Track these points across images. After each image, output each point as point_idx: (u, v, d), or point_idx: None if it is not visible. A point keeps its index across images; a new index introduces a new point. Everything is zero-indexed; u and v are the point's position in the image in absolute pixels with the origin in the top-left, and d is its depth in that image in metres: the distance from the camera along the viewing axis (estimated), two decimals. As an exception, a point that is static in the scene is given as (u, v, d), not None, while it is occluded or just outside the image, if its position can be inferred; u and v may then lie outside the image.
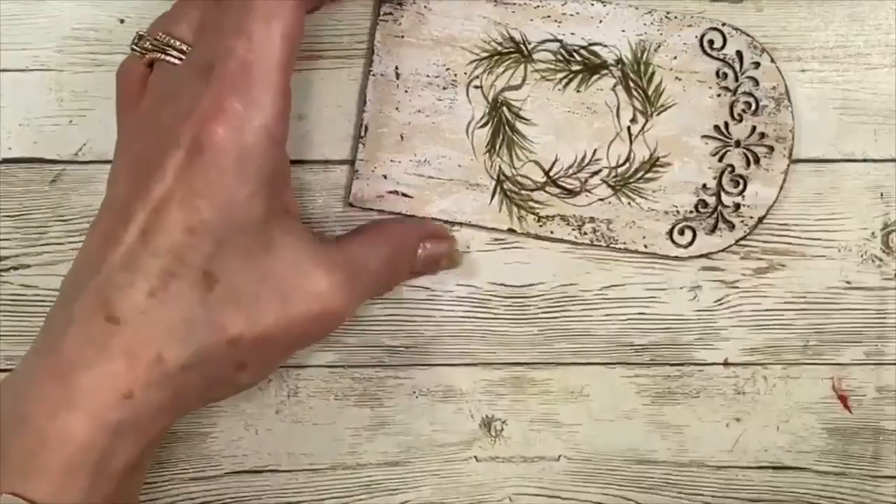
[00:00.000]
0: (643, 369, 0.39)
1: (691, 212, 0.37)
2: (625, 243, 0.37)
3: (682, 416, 0.39)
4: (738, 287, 0.38)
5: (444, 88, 0.37)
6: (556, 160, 0.37)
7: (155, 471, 0.39)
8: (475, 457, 0.39)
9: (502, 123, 0.37)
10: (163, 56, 0.33)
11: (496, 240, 0.38)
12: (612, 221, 0.37)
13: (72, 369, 0.30)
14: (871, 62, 0.37)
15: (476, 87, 0.37)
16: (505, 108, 0.37)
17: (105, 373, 0.30)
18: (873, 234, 0.38)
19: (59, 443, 0.30)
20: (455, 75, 0.37)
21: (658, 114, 0.37)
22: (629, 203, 0.37)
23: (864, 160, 0.38)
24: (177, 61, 0.33)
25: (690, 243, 0.37)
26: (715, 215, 0.37)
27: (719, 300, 0.38)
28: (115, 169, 0.34)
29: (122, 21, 0.38)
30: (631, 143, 0.37)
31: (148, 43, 0.33)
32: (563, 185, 0.37)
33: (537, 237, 0.38)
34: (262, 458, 0.39)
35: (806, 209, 0.38)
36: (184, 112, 0.31)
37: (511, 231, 0.37)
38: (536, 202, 0.37)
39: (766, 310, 0.38)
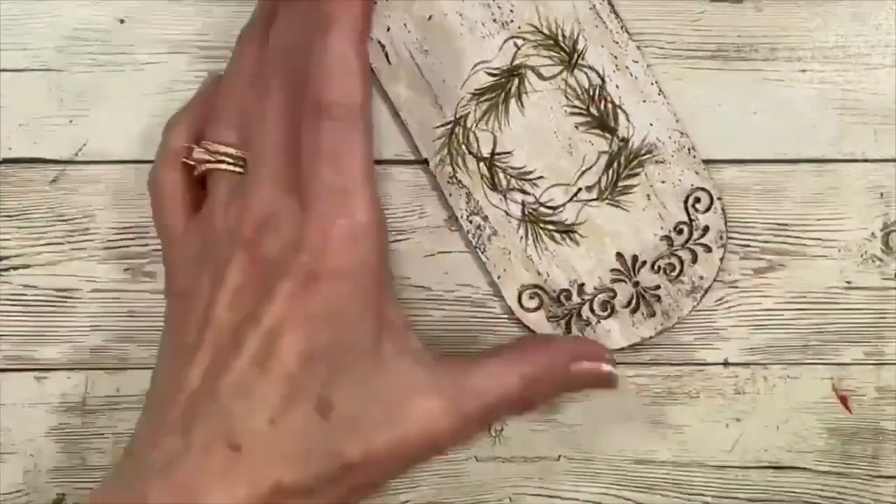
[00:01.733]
0: (643, 369, 0.39)
1: (555, 291, 0.37)
2: (486, 260, 0.37)
3: (682, 416, 0.39)
4: (737, 287, 0.38)
5: (494, 21, 0.36)
6: (509, 153, 0.37)
7: (155, 471, 0.39)
8: (475, 457, 0.39)
9: (504, 88, 0.37)
10: (220, 166, 0.34)
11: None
12: (496, 235, 0.37)
13: (194, 497, 0.30)
14: (871, 62, 0.37)
15: (515, 44, 0.37)
16: (517, 80, 0.37)
17: (227, 499, 0.30)
18: (873, 234, 0.38)
19: None
20: (512, 21, 0.36)
21: (608, 203, 0.37)
22: (522, 238, 0.37)
23: (864, 160, 0.38)
24: (236, 169, 0.33)
25: (532, 310, 0.37)
26: (567, 314, 0.37)
27: (719, 300, 0.38)
28: (179, 282, 0.34)
29: (122, 21, 0.38)
30: (569, 199, 0.37)
31: (203, 154, 0.34)
32: (495, 174, 0.37)
33: (433, 187, 0.37)
34: (262, 458, 0.39)
35: (806, 209, 0.38)
36: (288, 241, 0.31)
37: (424, 161, 0.37)
38: (464, 164, 0.37)
39: (766, 310, 0.38)
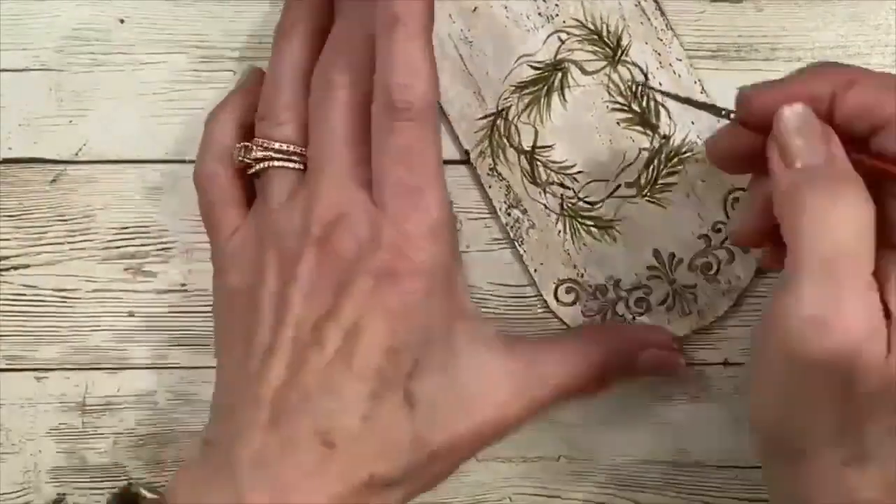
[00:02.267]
0: (643, 369, 0.39)
1: (591, 286, 0.37)
2: (524, 253, 0.37)
3: (682, 416, 0.39)
4: (738, 287, 0.38)
5: (539, 15, 0.37)
6: (550, 147, 0.37)
7: (155, 471, 0.39)
8: (475, 457, 0.39)
9: (547, 82, 0.37)
10: (282, 164, 0.33)
11: (496, 240, 0.38)
12: (535, 228, 0.37)
13: (288, 492, 0.30)
14: (871, 62, 0.37)
15: (560, 38, 0.37)
16: (560, 74, 0.37)
17: (322, 495, 0.30)
18: (873, 234, 0.38)
19: None
20: (557, 15, 0.37)
21: (647, 200, 0.37)
22: (560, 232, 0.37)
23: (864, 160, 0.38)
24: (298, 167, 0.33)
25: (567, 305, 0.37)
26: (602, 310, 0.37)
27: (719, 300, 0.38)
28: (233, 278, 0.34)
29: (122, 21, 0.38)
30: (609, 195, 0.37)
31: (263, 152, 0.34)
32: (535, 167, 0.37)
33: (474, 177, 0.37)
34: (262, 458, 0.39)
35: (806, 209, 0.38)
36: (364, 239, 0.32)
37: (465, 154, 0.37)
38: (505, 157, 0.37)
39: (766, 310, 0.38)
